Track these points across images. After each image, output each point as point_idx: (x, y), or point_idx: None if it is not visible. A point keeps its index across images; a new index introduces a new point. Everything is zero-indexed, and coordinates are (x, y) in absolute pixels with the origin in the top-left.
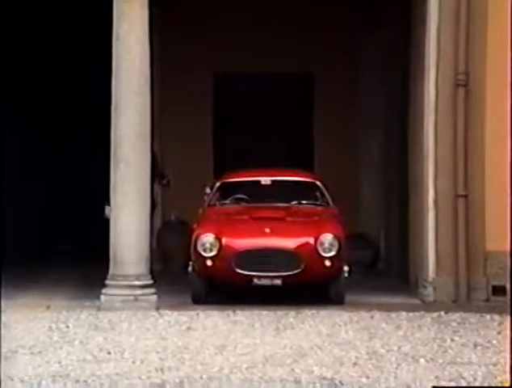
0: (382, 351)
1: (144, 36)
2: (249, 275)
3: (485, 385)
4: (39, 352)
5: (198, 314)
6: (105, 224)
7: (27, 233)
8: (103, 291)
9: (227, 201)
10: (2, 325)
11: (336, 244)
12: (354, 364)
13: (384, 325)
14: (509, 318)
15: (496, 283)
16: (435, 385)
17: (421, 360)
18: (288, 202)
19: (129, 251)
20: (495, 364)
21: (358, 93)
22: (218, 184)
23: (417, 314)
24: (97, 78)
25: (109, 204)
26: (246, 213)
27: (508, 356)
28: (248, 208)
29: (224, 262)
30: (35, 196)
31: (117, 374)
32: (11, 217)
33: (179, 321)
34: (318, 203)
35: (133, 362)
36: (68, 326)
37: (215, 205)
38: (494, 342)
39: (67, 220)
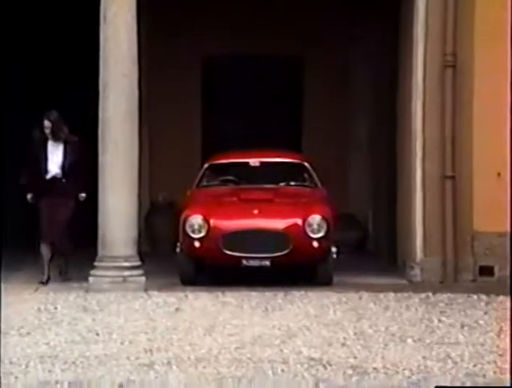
0: (370, 331)
1: (131, 19)
2: (237, 256)
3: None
4: (28, 334)
5: (186, 296)
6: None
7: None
8: (91, 272)
9: (215, 183)
10: None
11: (324, 225)
12: (342, 344)
13: (371, 305)
14: (502, 298)
15: (483, 263)
16: (422, 365)
17: (409, 341)
18: (277, 183)
19: (117, 233)
20: (482, 344)
21: (347, 76)
22: (206, 166)
23: (405, 294)
24: (84, 61)
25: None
26: (235, 195)
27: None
28: (236, 189)
29: (212, 243)
30: None
31: (105, 355)
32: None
33: (168, 302)
34: (306, 184)
35: (122, 343)
36: (56, 308)
37: (203, 187)
38: (481, 322)
39: None
